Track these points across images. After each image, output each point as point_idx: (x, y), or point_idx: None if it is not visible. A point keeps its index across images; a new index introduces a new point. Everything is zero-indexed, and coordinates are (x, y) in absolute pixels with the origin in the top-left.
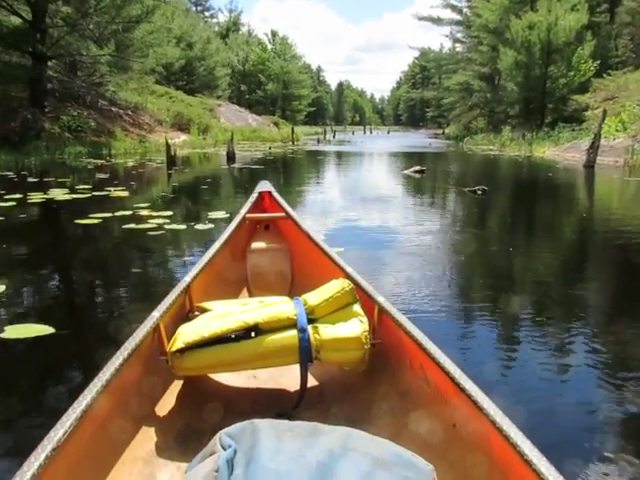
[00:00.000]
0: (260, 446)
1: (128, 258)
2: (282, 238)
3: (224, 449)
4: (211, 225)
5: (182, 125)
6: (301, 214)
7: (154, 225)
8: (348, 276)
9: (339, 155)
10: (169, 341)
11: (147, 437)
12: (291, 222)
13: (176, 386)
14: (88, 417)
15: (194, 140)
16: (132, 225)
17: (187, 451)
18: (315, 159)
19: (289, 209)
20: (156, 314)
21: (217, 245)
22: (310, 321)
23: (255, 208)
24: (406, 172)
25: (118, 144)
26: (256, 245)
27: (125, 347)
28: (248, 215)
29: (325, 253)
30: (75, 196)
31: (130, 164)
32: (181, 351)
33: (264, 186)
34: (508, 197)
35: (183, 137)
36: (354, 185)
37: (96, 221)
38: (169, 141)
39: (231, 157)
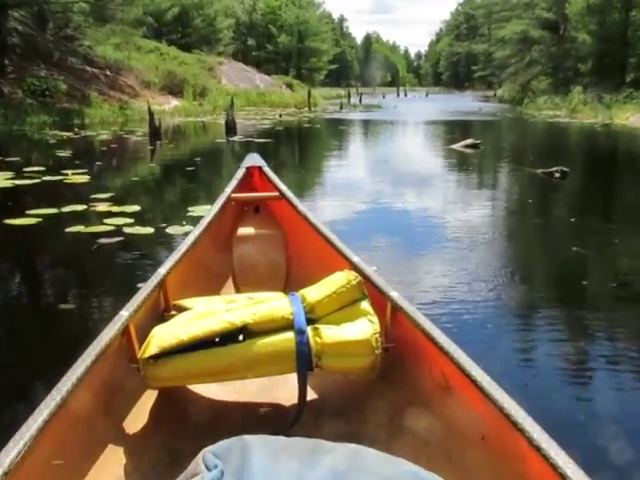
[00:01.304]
0: (251, 466)
1: (48, 291)
2: (275, 222)
3: (208, 470)
4: (190, 227)
5: (174, 88)
6: (319, 202)
7: (110, 228)
8: (355, 267)
9: (367, 124)
10: (141, 346)
11: (115, 461)
12: (286, 203)
13: (149, 399)
14: (42, 440)
15: (188, 106)
16: (79, 228)
17: (163, 476)
18: (336, 130)
19: (283, 187)
20: (125, 313)
21: (197, 232)
22: (309, 321)
23: (242, 186)
24: (455, 147)
25: (93, 112)
26: (244, 231)
27: (88, 353)
28: (234, 195)
29: (327, 240)
30: (19, 182)
31: (104, 137)
32: (155, 357)
33: (253, 160)
34: (595, 181)
35: (174, 102)
36: (386, 164)
37: (33, 221)
38: (156, 108)
39: (231, 128)
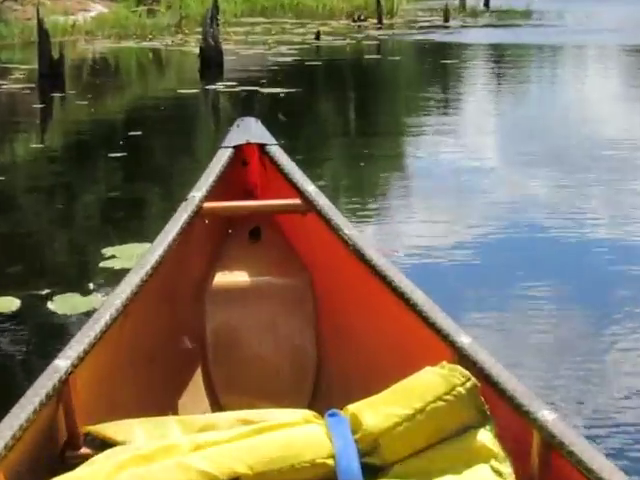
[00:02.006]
0: None
1: None
2: (293, 259)
3: None
4: (101, 295)
5: None
6: (392, 220)
7: None
8: (463, 358)
9: (498, 54)
10: None
11: None
12: (315, 221)
13: None
14: None
15: (124, 17)
16: None
17: None
18: (437, 68)
19: (310, 189)
20: None
21: (130, 283)
22: (370, 471)
23: (226, 187)
24: None
25: None
26: (227, 277)
27: None
28: (208, 204)
29: (403, 299)
30: None
31: None
32: None
33: (248, 130)
34: None
35: (98, 9)
36: (557, 146)
37: None
38: (58, 20)
39: (211, 62)
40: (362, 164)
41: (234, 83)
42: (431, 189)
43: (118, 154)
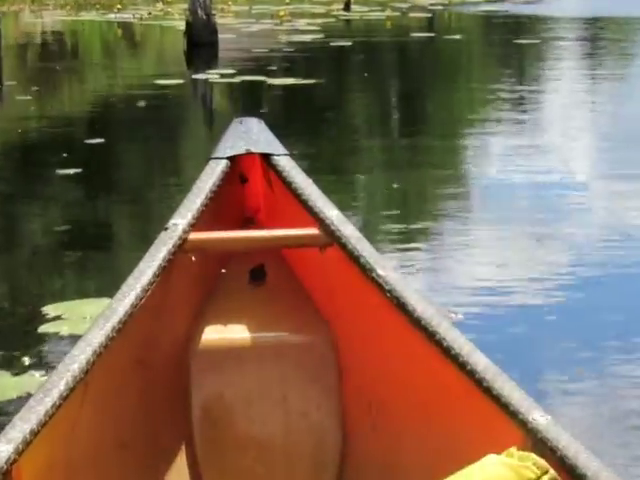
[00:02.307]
0: None
1: None
2: (309, 308)
3: None
4: (40, 374)
5: None
6: (451, 254)
7: None
8: (538, 438)
9: (594, 31)
10: None
11: None
12: (338, 255)
13: None
14: None
15: None
16: None
17: None
18: (505, 46)
19: (333, 214)
20: None
21: (96, 337)
22: None
23: (218, 211)
24: None
25: None
26: (219, 332)
27: None
28: (195, 235)
29: (455, 359)
30: None
31: None
32: None
33: (247, 134)
34: None
35: None
36: None
37: None
38: None
39: (200, 42)
40: (405, 179)
41: (231, 71)
42: (501, 213)
43: (70, 170)
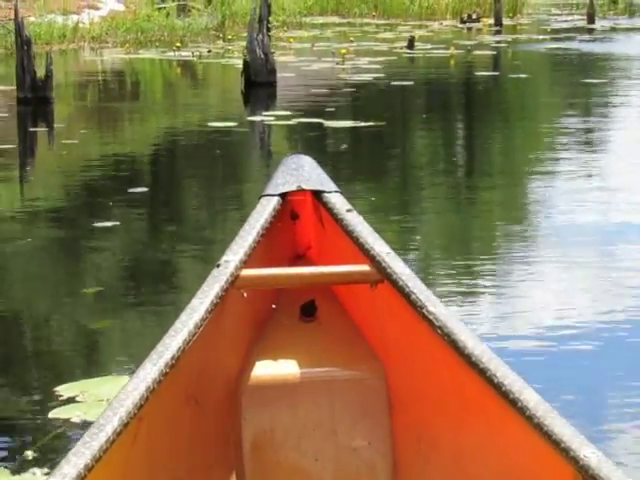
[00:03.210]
0: None
1: None
2: (360, 344)
3: None
4: (46, 470)
5: None
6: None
7: None
8: (590, 475)
9: None
10: None
11: None
12: (390, 292)
13: None
14: None
15: (146, 16)
16: None
17: None
18: (573, 86)
19: (384, 251)
20: None
21: (149, 373)
22: None
23: (270, 247)
24: None
25: None
26: (271, 368)
27: None
28: (246, 272)
29: (506, 396)
30: None
31: None
32: None
33: (297, 171)
34: None
35: (112, 4)
36: None
37: None
38: (55, 21)
39: (258, 80)
40: (464, 217)
41: (288, 112)
42: (565, 255)
43: (107, 223)
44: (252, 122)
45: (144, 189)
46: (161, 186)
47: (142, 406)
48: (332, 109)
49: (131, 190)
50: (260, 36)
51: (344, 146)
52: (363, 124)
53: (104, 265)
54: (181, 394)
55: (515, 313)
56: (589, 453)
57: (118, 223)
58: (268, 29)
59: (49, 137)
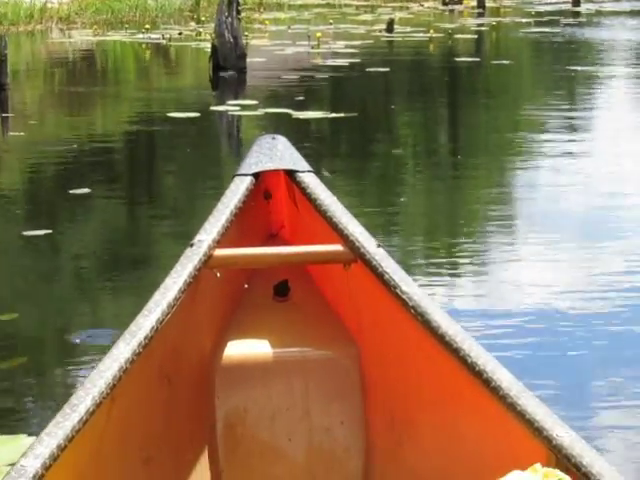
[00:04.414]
0: None
1: None
2: (334, 324)
3: None
4: None
5: None
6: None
7: None
8: (563, 454)
9: None
10: None
11: None
12: (363, 272)
13: None
14: None
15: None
16: None
17: None
18: (557, 73)
19: (358, 231)
20: None
21: (122, 353)
22: None
23: (243, 227)
24: None
25: None
26: (244, 348)
27: None
28: (220, 252)
29: (480, 376)
30: None
31: None
32: None
33: (271, 152)
34: None
35: None
36: None
37: None
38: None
39: (227, 66)
40: (440, 231)
41: (255, 102)
42: (545, 236)
43: (39, 232)
44: (215, 112)
45: (86, 190)
46: (105, 187)
47: (115, 386)
48: (302, 97)
49: (71, 192)
50: (229, 19)
51: (326, 173)
52: (334, 115)
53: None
54: (154, 374)
55: (494, 293)
56: (562, 433)
57: (50, 231)
58: (238, 11)
59: (2, 125)
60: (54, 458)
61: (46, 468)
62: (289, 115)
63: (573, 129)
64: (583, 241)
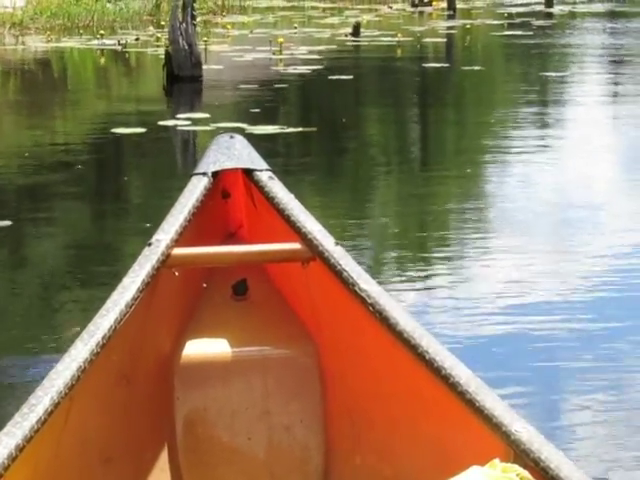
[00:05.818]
0: None
1: None
2: (292, 322)
3: None
4: None
5: None
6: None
7: None
8: (521, 450)
9: (631, 63)
10: None
11: None
12: (321, 270)
13: None
14: None
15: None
16: None
17: None
18: (530, 80)
19: (316, 229)
20: None
21: (80, 353)
22: None
23: (201, 226)
24: None
25: None
26: (202, 347)
27: None
28: (177, 251)
29: (438, 372)
30: None
31: None
32: None
33: (229, 150)
34: None
35: None
36: None
37: None
38: None
39: (181, 75)
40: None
41: (207, 115)
42: (517, 239)
43: None
44: (163, 128)
45: (6, 223)
46: (27, 218)
47: (73, 386)
48: (258, 110)
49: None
50: (184, 25)
51: None
52: (291, 130)
53: None
54: (113, 373)
55: (463, 290)
56: (520, 428)
57: None
58: (193, 17)
59: None
60: (12, 458)
61: (5, 468)
62: (242, 130)
63: (542, 137)
64: (552, 239)
